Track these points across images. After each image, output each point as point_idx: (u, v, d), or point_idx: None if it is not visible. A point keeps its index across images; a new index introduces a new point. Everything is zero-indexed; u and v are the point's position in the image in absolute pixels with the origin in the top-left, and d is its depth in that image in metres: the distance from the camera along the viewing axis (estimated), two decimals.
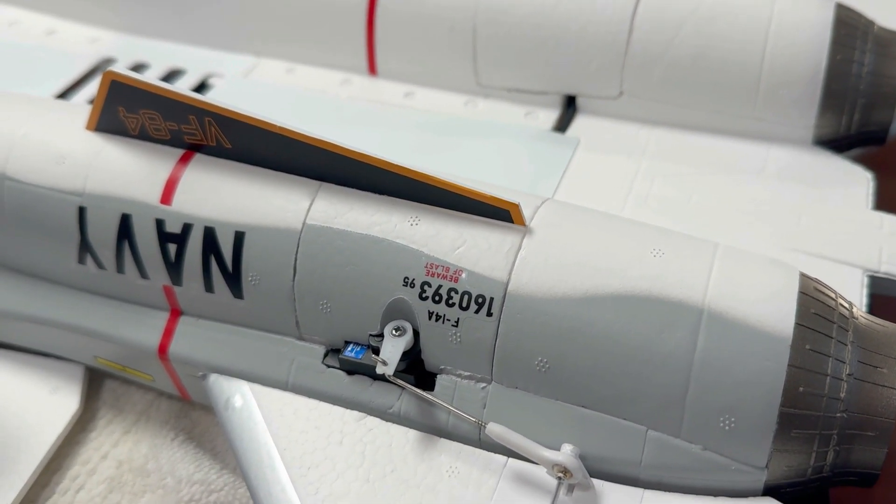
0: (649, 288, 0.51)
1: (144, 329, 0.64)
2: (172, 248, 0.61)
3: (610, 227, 0.56)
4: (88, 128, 0.65)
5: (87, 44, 1.00)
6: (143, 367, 0.67)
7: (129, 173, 0.62)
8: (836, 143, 0.76)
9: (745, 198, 0.71)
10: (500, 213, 0.55)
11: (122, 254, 0.63)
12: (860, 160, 0.77)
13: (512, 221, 0.55)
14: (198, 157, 0.62)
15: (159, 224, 0.61)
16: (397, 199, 0.57)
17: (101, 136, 0.64)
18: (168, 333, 0.64)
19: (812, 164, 0.74)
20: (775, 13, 0.74)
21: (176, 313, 0.64)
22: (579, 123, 0.80)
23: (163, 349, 0.64)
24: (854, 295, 0.62)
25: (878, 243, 0.66)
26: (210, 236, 0.59)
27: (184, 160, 0.62)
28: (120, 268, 0.63)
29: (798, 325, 0.49)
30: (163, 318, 0.64)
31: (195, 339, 0.63)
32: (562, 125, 0.80)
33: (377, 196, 0.58)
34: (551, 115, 0.82)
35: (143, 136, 0.63)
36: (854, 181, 0.72)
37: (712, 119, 0.77)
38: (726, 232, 0.67)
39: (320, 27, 0.88)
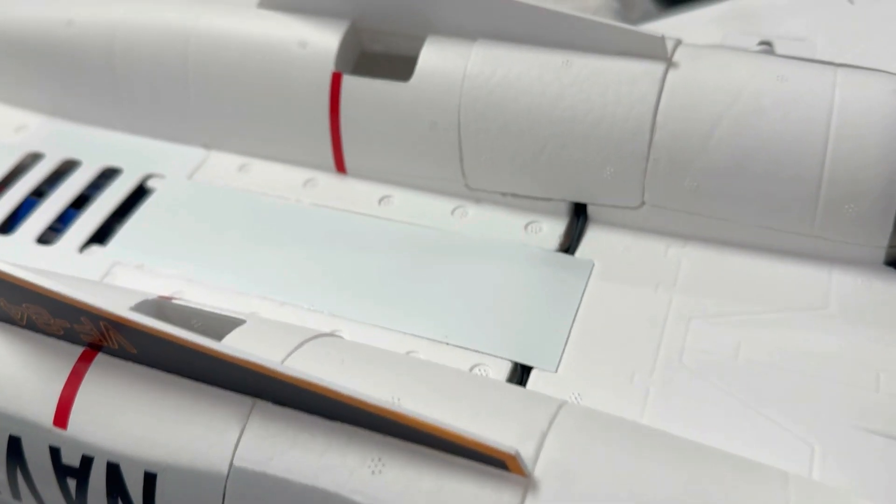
0: None
1: None
2: (72, 482, 0.47)
3: (640, 468, 0.41)
4: None
5: (12, 132, 0.85)
6: None
7: (17, 382, 0.48)
8: None
9: (805, 349, 0.56)
10: (493, 460, 0.41)
11: (15, 481, 0.49)
12: None
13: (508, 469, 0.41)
14: (100, 357, 0.48)
15: (54, 453, 0.47)
16: (356, 429, 0.43)
17: None
18: None
19: (886, 295, 0.58)
20: (837, 105, 0.59)
21: None
22: (592, 238, 0.65)
23: None
24: None
25: None
26: (114, 475, 0.45)
27: (83, 361, 0.48)
28: (15, 494, 0.50)
29: None
30: None
31: None
32: (570, 241, 0.65)
33: (329, 423, 0.44)
34: (557, 226, 0.66)
35: (33, 327, 0.50)
36: None
37: (758, 236, 0.62)
38: (784, 403, 0.53)
39: (277, 116, 0.73)
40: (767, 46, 0.75)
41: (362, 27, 0.71)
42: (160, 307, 0.52)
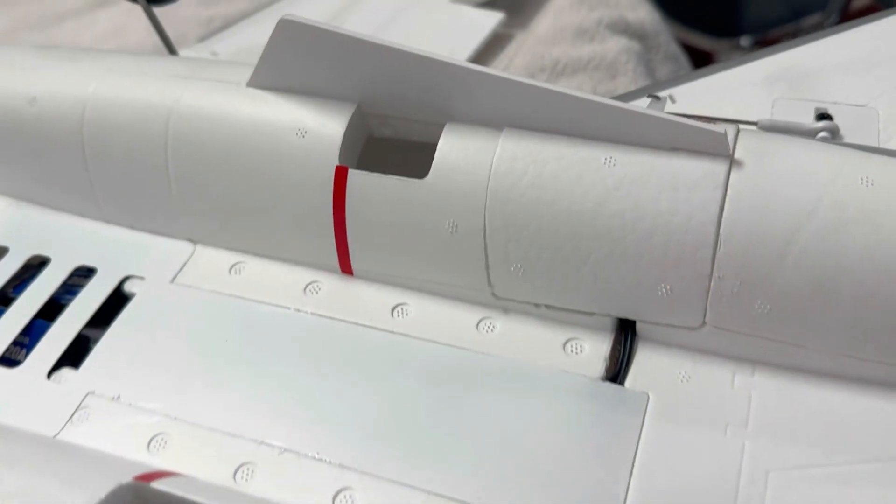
0: None
1: None
2: None
3: None
4: None
5: None
6: None
7: None
8: None
9: None
10: None
11: None
12: None
13: None
14: None
15: None
16: None
17: None
18: None
19: None
20: None
21: None
22: (643, 361, 0.56)
23: None
24: None
25: None
26: None
27: None
28: None
29: None
30: None
31: None
32: (618, 365, 0.56)
33: None
34: (601, 344, 0.57)
35: None
36: None
37: (841, 365, 0.53)
38: None
39: (273, 210, 0.64)
40: (829, 122, 0.67)
41: (370, 111, 0.62)
42: (138, 494, 0.43)
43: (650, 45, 1.01)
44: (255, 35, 1.10)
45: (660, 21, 1.04)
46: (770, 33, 1.71)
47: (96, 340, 0.64)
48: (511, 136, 0.57)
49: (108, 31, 1.29)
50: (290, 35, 0.60)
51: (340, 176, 0.61)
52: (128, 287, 0.67)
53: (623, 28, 0.99)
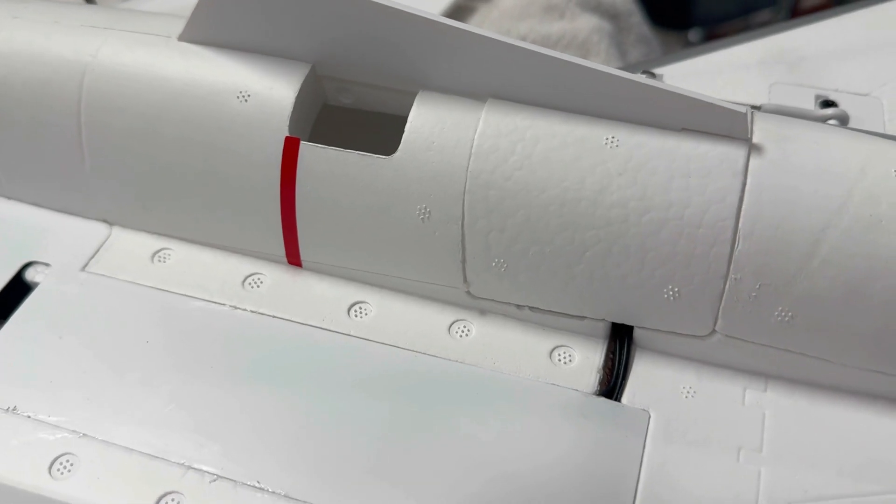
0: None
1: None
2: None
3: None
4: None
5: None
6: None
7: None
8: None
9: None
10: None
11: None
12: None
13: None
14: None
15: None
16: None
17: None
18: None
19: None
20: None
21: None
22: (641, 373, 0.48)
23: None
24: None
25: None
26: None
27: None
28: None
29: None
30: None
31: None
32: (613, 378, 0.49)
33: None
34: (592, 353, 0.49)
35: None
36: None
37: (866, 381, 0.46)
38: None
39: (206, 187, 0.54)
40: (837, 109, 0.61)
41: (326, 75, 0.53)
42: None
43: (622, 25, 0.94)
44: None
45: (631, 1, 0.98)
46: (719, 28, 1.68)
47: None
48: (496, 108, 0.49)
49: None
50: None
51: (290, 149, 0.51)
52: (30, 275, 0.56)
53: (594, 6, 0.92)
